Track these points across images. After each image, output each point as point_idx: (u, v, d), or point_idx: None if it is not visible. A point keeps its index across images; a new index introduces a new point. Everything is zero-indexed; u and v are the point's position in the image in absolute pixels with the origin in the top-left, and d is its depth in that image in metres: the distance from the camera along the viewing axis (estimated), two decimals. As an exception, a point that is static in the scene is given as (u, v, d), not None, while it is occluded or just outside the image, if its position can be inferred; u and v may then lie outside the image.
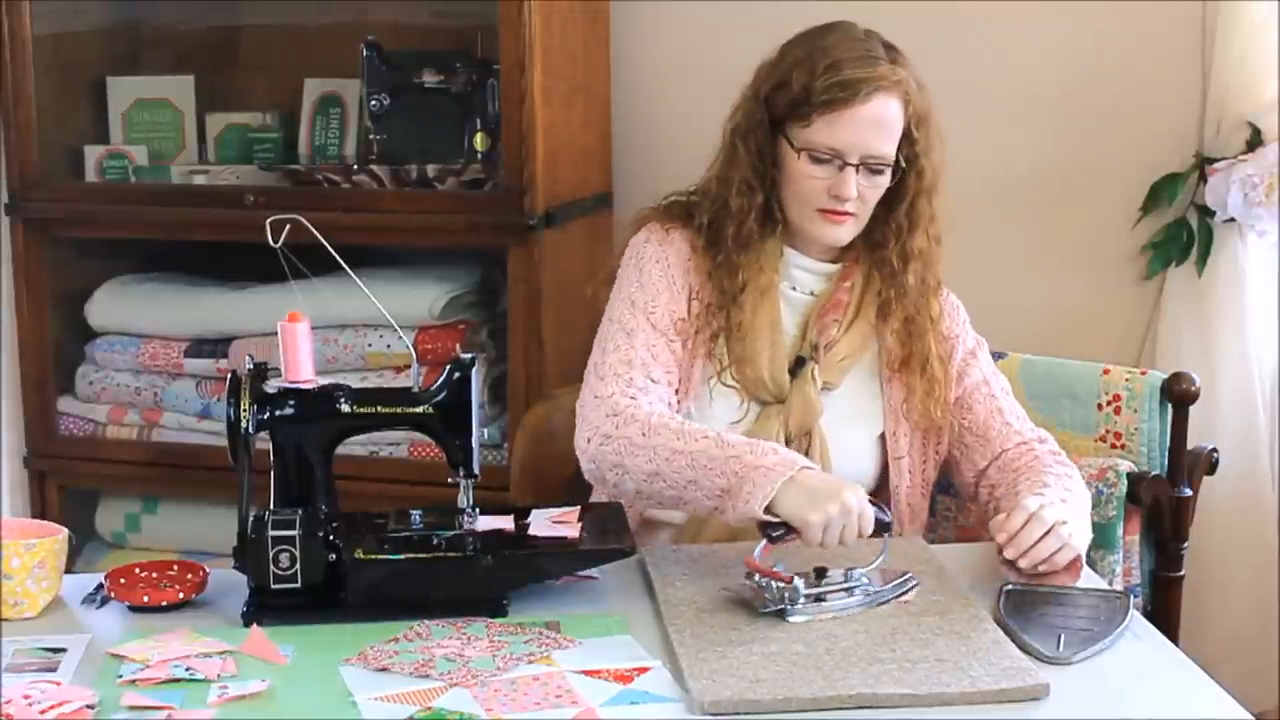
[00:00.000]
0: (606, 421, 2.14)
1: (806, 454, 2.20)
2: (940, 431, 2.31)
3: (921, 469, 2.33)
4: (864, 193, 2.21)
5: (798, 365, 2.26)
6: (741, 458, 2.02)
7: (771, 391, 2.25)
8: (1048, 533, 1.97)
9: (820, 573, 1.95)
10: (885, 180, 2.23)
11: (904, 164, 2.23)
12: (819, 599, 1.91)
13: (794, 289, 2.30)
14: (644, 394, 2.18)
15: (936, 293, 2.31)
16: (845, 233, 2.25)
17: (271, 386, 2.00)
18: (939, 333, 2.31)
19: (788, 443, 2.21)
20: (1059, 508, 2.02)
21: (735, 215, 2.26)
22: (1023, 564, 1.97)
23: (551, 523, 2.06)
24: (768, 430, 2.22)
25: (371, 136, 3.27)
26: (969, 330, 2.38)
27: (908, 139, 2.23)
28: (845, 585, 1.94)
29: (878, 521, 1.98)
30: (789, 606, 1.89)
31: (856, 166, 2.19)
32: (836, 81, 2.17)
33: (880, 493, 2.29)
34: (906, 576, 1.99)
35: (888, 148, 2.21)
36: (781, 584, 1.90)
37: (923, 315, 2.29)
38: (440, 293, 3.16)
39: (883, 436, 2.31)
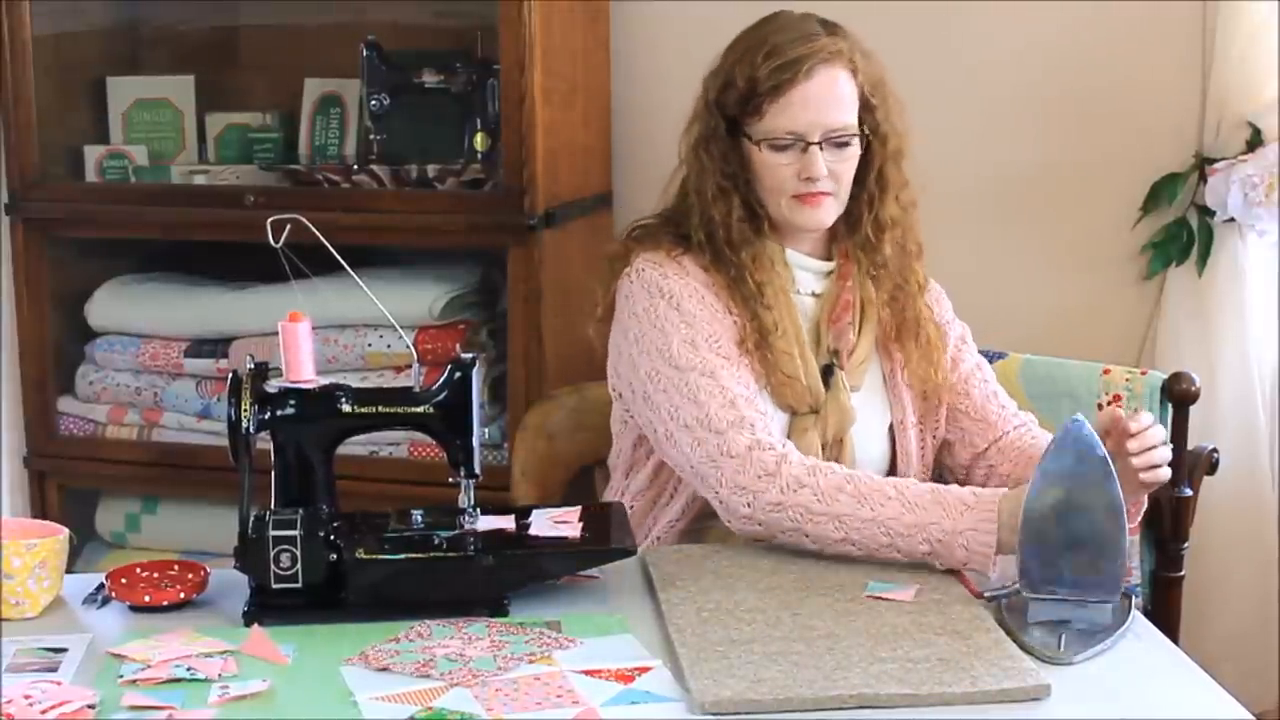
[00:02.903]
0: (764, 485, 2.07)
1: (838, 460, 2.21)
2: (937, 411, 2.32)
3: (921, 454, 2.34)
4: (834, 169, 2.21)
5: (826, 374, 2.26)
6: (940, 524, 2.00)
7: (808, 402, 2.24)
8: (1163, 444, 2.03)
9: None
10: (853, 152, 2.23)
11: (868, 134, 2.24)
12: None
13: (798, 292, 2.30)
14: (771, 435, 2.12)
15: (919, 259, 2.32)
16: (826, 214, 2.25)
17: (272, 386, 2.00)
18: (927, 303, 2.33)
19: (823, 449, 2.22)
20: None
21: (721, 222, 2.26)
22: (1138, 462, 2.01)
23: (552, 523, 2.06)
24: (806, 441, 2.21)
25: (371, 136, 3.27)
26: (955, 317, 2.41)
27: (866, 108, 2.24)
28: None
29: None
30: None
31: (820, 144, 2.19)
32: (778, 65, 2.19)
33: None
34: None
35: (846, 118, 2.21)
36: None
37: (909, 282, 2.30)
38: (440, 293, 3.16)
39: (892, 427, 2.32)
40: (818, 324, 2.29)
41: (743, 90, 2.22)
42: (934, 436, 2.34)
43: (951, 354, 2.35)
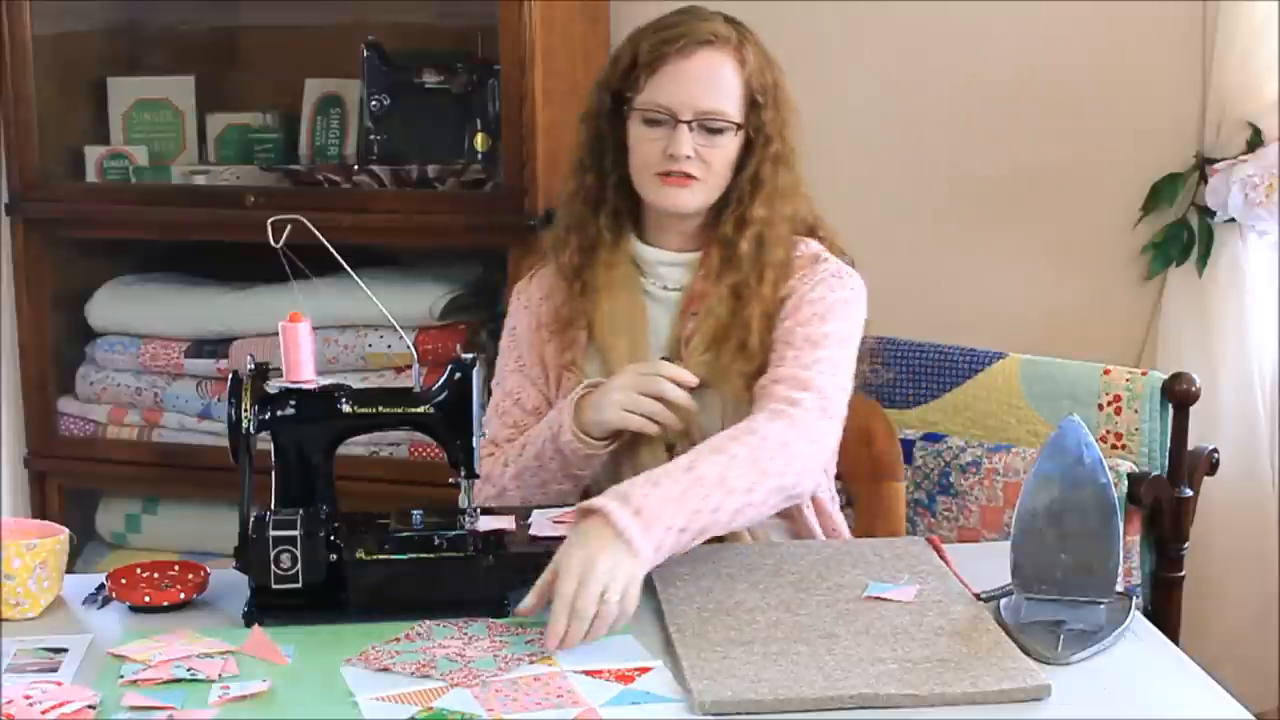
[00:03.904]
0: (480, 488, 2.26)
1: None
2: None
3: None
4: (704, 154, 2.19)
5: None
6: (547, 428, 2.19)
7: None
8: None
9: None
10: (726, 142, 2.20)
11: (752, 134, 2.22)
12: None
13: (664, 288, 2.29)
14: (503, 446, 2.28)
15: (773, 268, 2.22)
16: (690, 197, 2.21)
17: (272, 386, 2.00)
18: (775, 306, 2.21)
19: (669, 449, 2.16)
20: (592, 576, 1.82)
21: (565, 199, 2.30)
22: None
23: (552, 523, 2.06)
24: (644, 438, 2.19)
25: (372, 137, 3.27)
26: (836, 303, 2.22)
27: (752, 106, 2.21)
28: None
29: None
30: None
31: (690, 124, 2.18)
32: (660, 39, 2.20)
33: None
34: None
35: (721, 104, 2.19)
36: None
37: (750, 286, 2.21)
38: (440, 293, 3.16)
39: None
40: (676, 317, 2.27)
41: (626, 65, 2.23)
42: None
43: (784, 313, 2.21)
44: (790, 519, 2.27)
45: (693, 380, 2.16)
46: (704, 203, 2.24)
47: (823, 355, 2.16)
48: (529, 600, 1.86)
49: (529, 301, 2.37)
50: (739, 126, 2.21)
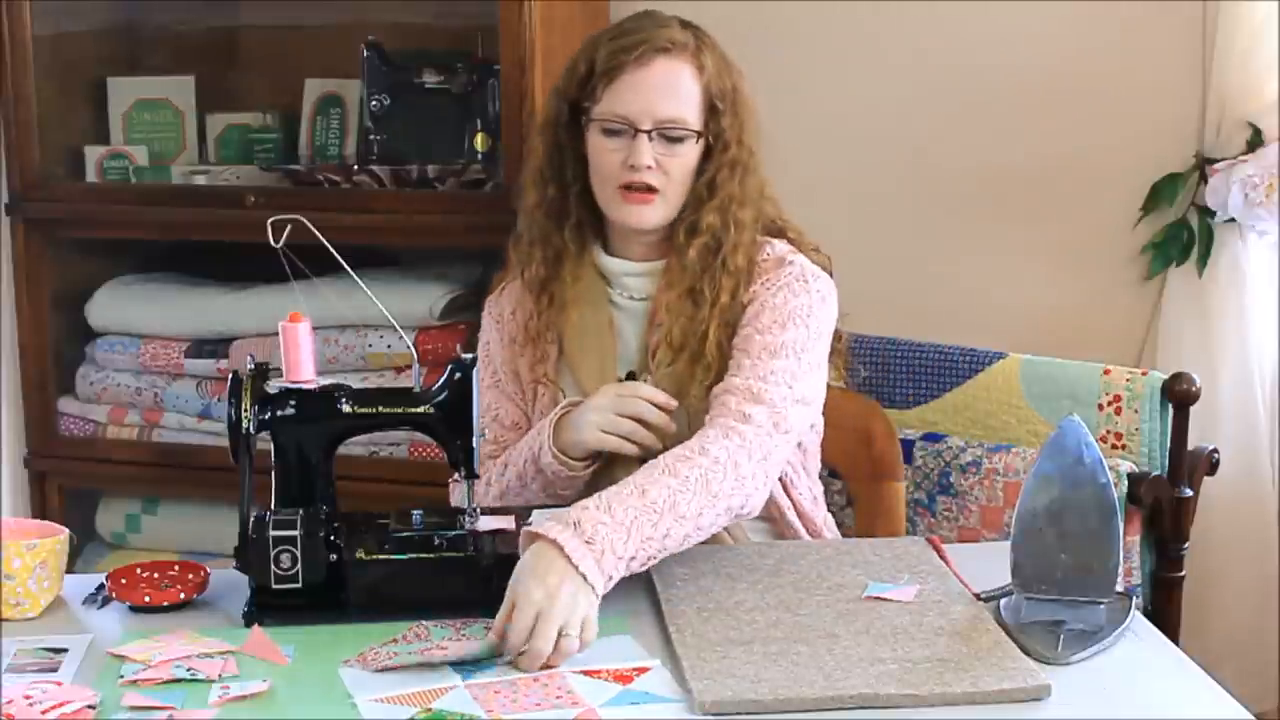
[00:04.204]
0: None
1: None
2: None
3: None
4: (664, 164, 2.17)
5: (630, 379, 2.22)
6: (529, 446, 2.19)
7: None
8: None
9: None
10: (686, 150, 2.18)
11: (710, 140, 2.20)
12: None
13: (631, 298, 2.27)
14: (485, 464, 2.26)
15: (732, 276, 2.19)
16: (651, 213, 2.20)
17: (272, 386, 2.00)
18: (733, 315, 2.19)
19: (640, 464, 2.04)
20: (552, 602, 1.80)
21: (528, 212, 2.28)
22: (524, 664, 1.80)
23: (552, 523, 2.05)
24: (621, 458, 2.16)
25: (371, 137, 3.27)
26: (797, 308, 2.17)
27: (711, 111, 2.19)
28: None
29: None
30: None
31: (650, 134, 2.16)
32: (617, 47, 2.17)
33: None
34: None
35: (680, 111, 2.17)
36: None
37: (704, 294, 2.19)
38: (440, 293, 3.16)
39: None
40: (643, 328, 2.26)
41: (583, 74, 2.20)
42: None
43: (742, 327, 2.18)
44: (772, 521, 2.27)
45: (670, 402, 2.14)
46: (665, 217, 2.21)
47: (778, 366, 2.11)
48: (491, 638, 1.80)
49: (499, 316, 2.36)
50: (699, 134, 2.19)
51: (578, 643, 1.79)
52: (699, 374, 2.17)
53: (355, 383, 2.11)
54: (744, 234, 2.22)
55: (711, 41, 2.23)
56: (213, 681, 1.76)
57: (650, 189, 2.18)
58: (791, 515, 2.27)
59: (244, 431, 1.96)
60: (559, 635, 1.78)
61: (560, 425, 2.18)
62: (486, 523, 2.04)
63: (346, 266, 2.06)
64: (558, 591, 1.79)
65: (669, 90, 2.17)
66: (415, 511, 2.04)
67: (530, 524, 1.88)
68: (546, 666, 1.77)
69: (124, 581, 2.01)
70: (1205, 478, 2.55)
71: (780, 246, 2.27)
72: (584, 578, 1.82)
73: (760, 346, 2.13)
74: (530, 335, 2.30)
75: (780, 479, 2.23)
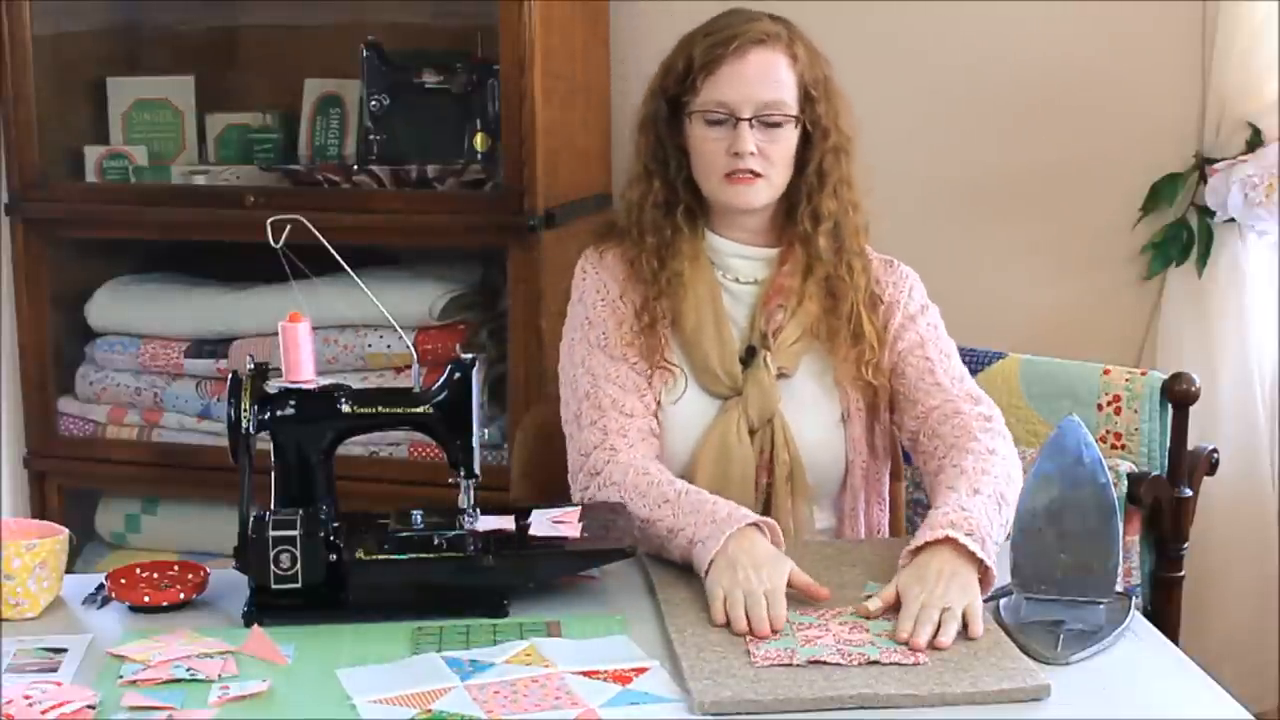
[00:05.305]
0: (586, 481, 2.20)
1: (771, 443, 2.23)
2: (881, 404, 2.31)
3: (870, 441, 2.31)
4: (765, 149, 2.22)
5: (749, 355, 2.27)
6: (686, 530, 2.03)
7: (726, 384, 2.26)
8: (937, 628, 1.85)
9: None
10: (786, 134, 2.24)
11: (809, 127, 2.26)
12: None
13: (737, 280, 2.31)
14: (623, 438, 2.20)
15: (860, 257, 2.30)
16: (755, 195, 2.25)
17: (272, 386, 2.00)
18: (870, 297, 2.30)
19: (751, 433, 2.23)
20: (942, 589, 1.89)
21: (637, 204, 2.31)
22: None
23: (552, 523, 2.06)
24: (729, 422, 2.23)
25: (371, 136, 3.27)
26: (915, 297, 2.34)
27: (809, 100, 2.25)
28: None
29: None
30: None
31: (751, 121, 2.21)
32: (713, 41, 2.23)
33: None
34: None
35: (778, 96, 2.23)
36: None
37: (843, 279, 2.28)
38: (440, 293, 3.16)
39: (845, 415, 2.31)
40: (754, 309, 2.30)
41: (681, 70, 2.26)
42: (884, 424, 2.33)
43: (894, 331, 2.30)
44: (841, 520, 2.32)
45: (821, 594, 1.97)
46: (769, 198, 2.27)
47: (956, 359, 2.31)
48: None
49: (609, 278, 2.32)
50: (797, 119, 2.25)
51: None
52: (844, 352, 2.27)
53: (355, 383, 2.11)
54: (860, 216, 2.32)
55: (801, 34, 2.29)
56: (212, 681, 1.76)
57: (754, 173, 2.23)
58: (861, 515, 2.34)
59: (244, 431, 1.96)
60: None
61: (720, 548, 1.99)
62: (486, 523, 2.04)
63: (346, 266, 2.06)
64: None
65: (766, 78, 2.22)
66: (415, 511, 2.03)
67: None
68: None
69: (124, 581, 2.01)
70: (1205, 478, 2.55)
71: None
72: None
73: (938, 351, 2.30)
74: (644, 324, 2.30)
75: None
